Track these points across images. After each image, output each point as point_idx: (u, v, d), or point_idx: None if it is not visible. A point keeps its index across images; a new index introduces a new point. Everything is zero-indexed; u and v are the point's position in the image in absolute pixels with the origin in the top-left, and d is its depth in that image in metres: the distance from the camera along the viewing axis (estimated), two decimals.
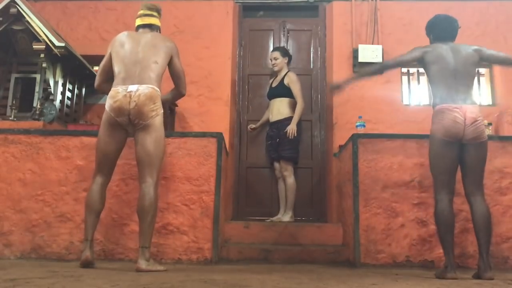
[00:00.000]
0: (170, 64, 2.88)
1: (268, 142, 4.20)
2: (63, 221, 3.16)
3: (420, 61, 2.82)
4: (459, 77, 2.68)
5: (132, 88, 2.62)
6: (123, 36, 2.86)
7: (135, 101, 2.59)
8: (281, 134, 4.01)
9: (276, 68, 4.21)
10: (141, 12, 2.92)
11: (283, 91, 4.09)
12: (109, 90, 2.72)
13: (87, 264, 2.59)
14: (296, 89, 4.04)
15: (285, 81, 4.09)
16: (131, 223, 3.15)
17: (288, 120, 4.03)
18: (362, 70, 3.07)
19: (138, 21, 2.92)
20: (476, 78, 4.61)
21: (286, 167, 4.01)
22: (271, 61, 4.23)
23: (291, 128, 3.94)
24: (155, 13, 2.94)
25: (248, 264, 3.06)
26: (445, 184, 2.64)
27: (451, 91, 2.65)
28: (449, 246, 2.56)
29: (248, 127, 4.39)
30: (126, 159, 3.23)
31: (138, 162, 2.67)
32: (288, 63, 4.25)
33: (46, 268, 2.55)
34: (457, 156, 2.64)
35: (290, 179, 4.00)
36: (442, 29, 2.87)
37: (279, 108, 4.08)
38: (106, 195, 2.81)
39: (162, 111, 2.74)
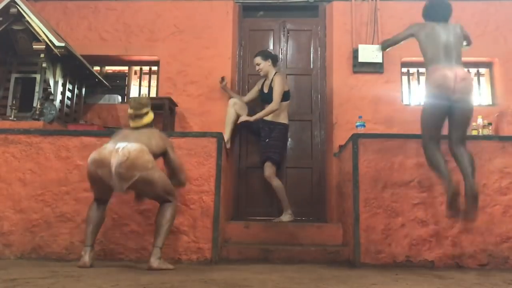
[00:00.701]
0: (165, 157, 2.87)
1: (261, 140, 4.14)
2: (63, 221, 3.16)
3: (415, 35, 3.14)
4: (449, 47, 2.97)
5: (121, 145, 2.59)
6: (122, 130, 2.90)
7: (125, 154, 2.52)
8: (272, 136, 4.01)
9: (261, 73, 4.16)
10: (131, 112, 2.82)
11: (271, 93, 4.04)
12: None
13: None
14: (276, 91, 3.98)
15: (272, 85, 4.04)
16: (131, 223, 3.15)
17: (281, 125, 4.04)
18: (384, 43, 3.37)
19: (131, 124, 2.83)
20: (475, 78, 4.63)
21: (269, 169, 3.98)
22: (255, 67, 4.18)
23: (246, 119, 4.00)
24: (145, 110, 2.84)
25: (248, 264, 3.06)
26: (432, 137, 2.94)
27: (443, 56, 2.95)
28: (446, 172, 2.83)
29: (222, 81, 4.31)
30: None
31: (152, 198, 2.82)
32: (274, 64, 4.17)
33: (46, 268, 2.55)
34: (446, 114, 2.92)
35: (275, 182, 3.98)
36: (435, 12, 3.14)
37: (276, 112, 4.04)
38: None
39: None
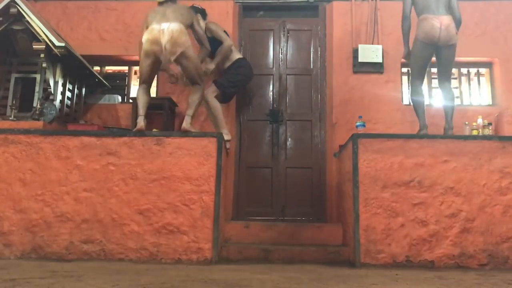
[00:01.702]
0: (192, 28, 3.62)
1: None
2: (63, 221, 3.16)
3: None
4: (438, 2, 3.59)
5: (164, 25, 3.31)
6: (155, 9, 3.52)
7: (170, 34, 3.27)
8: (230, 70, 4.04)
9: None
10: None
11: (215, 43, 4.03)
12: None
13: (140, 132, 3.30)
14: (217, 32, 4.03)
15: (208, 35, 4.03)
16: (131, 223, 3.15)
17: (237, 62, 4.06)
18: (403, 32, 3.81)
19: None
20: (475, 78, 4.63)
21: (211, 91, 3.94)
22: None
23: (210, 69, 3.97)
24: None
25: (248, 264, 3.06)
26: (419, 77, 3.68)
27: (431, 5, 3.57)
28: (423, 114, 3.61)
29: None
30: (126, 159, 3.24)
31: (188, 77, 3.58)
32: (204, 18, 4.17)
33: (46, 268, 2.55)
34: (431, 57, 3.64)
35: (212, 102, 3.94)
36: None
37: (225, 57, 4.07)
38: (107, 195, 3.02)
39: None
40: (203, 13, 4.20)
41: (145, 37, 3.35)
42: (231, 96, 4.15)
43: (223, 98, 4.05)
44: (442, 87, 3.69)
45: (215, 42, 4.02)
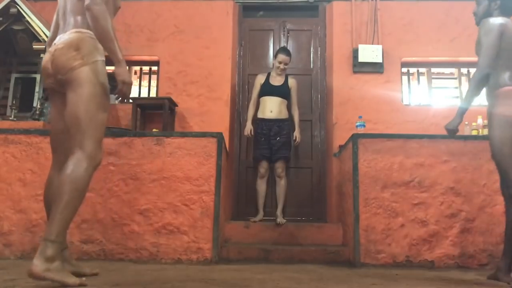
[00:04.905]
0: None
1: (261, 139, 4.00)
2: None
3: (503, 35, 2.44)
4: None
5: (56, 41, 2.07)
6: None
7: (52, 54, 2.02)
8: (283, 134, 3.97)
9: (283, 73, 4.12)
10: None
11: (287, 92, 4.07)
12: None
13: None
14: (295, 96, 4.12)
15: (289, 84, 4.08)
16: (131, 223, 3.15)
17: (287, 121, 4.04)
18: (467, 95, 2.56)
19: None
20: None
21: (283, 167, 4.01)
22: (281, 64, 4.03)
23: (299, 137, 4.09)
24: None
25: (248, 264, 3.06)
26: None
27: None
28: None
29: (247, 132, 4.14)
30: (126, 159, 3.24)
31: (67, 130, 2.01)
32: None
33: None
34: None
35: (284, 180, 4.03)
36: None
37: (281, 108, 4.02)
38: (107, 195, 2.90)
39: (101, 58, 2.13)
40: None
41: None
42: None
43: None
44: None
45: (288, 91, 4.11)
